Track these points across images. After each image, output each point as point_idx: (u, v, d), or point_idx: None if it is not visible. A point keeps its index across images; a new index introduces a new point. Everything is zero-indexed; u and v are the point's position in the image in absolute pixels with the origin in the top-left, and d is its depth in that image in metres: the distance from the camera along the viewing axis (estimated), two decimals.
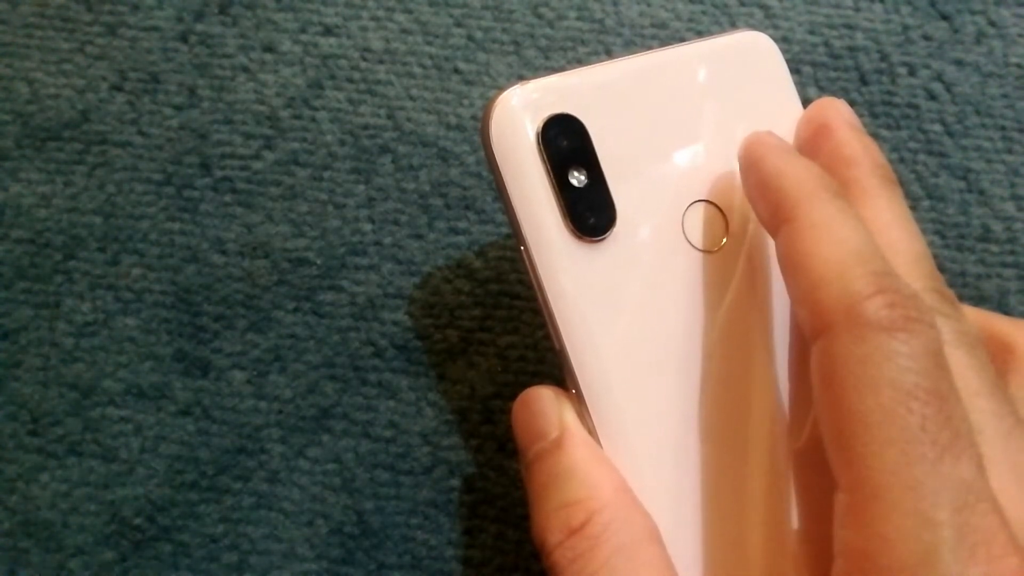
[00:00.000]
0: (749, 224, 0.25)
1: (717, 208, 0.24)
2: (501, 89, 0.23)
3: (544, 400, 0.23)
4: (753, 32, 0.26)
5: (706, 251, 0.24)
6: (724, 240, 0.24)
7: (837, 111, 0.25)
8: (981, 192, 0.32)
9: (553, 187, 0.23)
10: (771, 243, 0.25)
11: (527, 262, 0.23)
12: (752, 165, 0.23)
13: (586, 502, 0.22)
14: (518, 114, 0.23)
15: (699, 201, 0.24)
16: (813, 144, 0.25)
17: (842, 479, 0.19)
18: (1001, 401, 0.21)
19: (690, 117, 0.24)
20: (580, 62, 0.33)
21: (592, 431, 0.23)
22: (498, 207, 0.31)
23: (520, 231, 0.23)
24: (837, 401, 0.19)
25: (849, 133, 0.25)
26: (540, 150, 0.23)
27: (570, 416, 0.23)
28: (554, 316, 0.22)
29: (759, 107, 0.25)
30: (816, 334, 0.20)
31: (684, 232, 0.24)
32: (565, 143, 0.23)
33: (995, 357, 0.22)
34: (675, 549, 0.22)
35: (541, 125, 0.23)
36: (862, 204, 0.23)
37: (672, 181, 0.24)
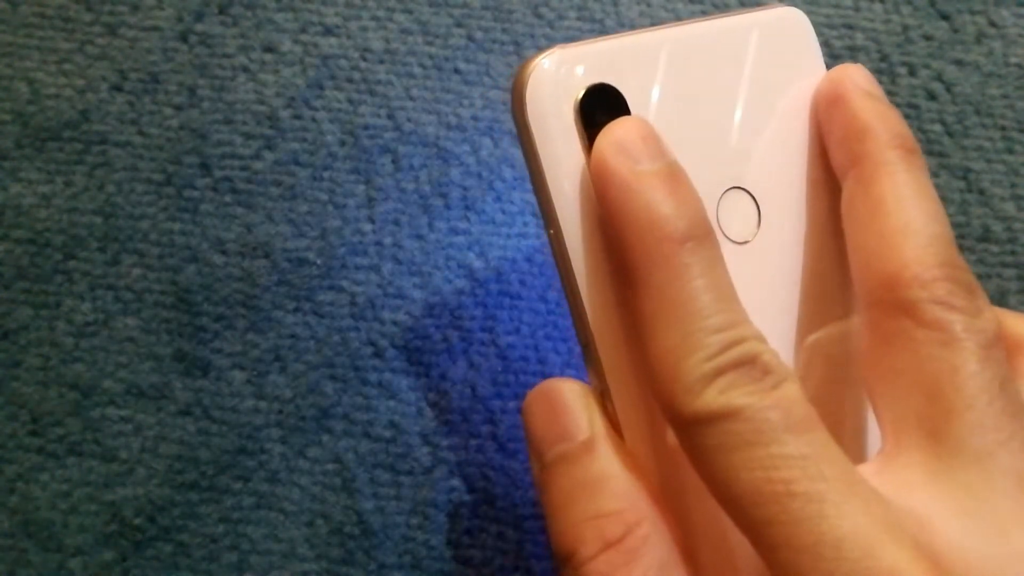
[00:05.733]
0: (782, 214, 0.24)
1: (750, 196, 0.23)
2: (534, 55, 0.21)
3: (569, 396, 0.22)
4: (789, 8, 0.25)
5: (739, 242, 0.23)
6: (757, 231, 0.23)
7: (852, 78, 0.23)
8: (981, 192, 0.32)
9: (590, 165, 0.21)
10: (803, 234, 0.24)
11: (555, 246, 0.21)
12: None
13: (624, 514, 0.21)
14: (557, 83, 0.21)
15: (733, 188, 0.23)
16: (828, 116, 0.24)
17: None
18: (999, 410, 0.20)
19: (725, 96, 0.23)
20: None
21: (615, 427, 0.21)
22: (498, 207, 0.31)
23: (553, 212, 0.21)
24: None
25: (864, 101, 0.23)
26: (579, 123, 0.21)
27: (599, 416, 0.22)
28: (582, 305, 0.21)
29: (792, 87, 0.24)
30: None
31: (718, 222, 0.23)
32: (605, 117, 0.21)
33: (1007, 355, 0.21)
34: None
35: (581, 96, 0.21)
36: (876, 180, 0.22)
37: (707, 166, 0.22)
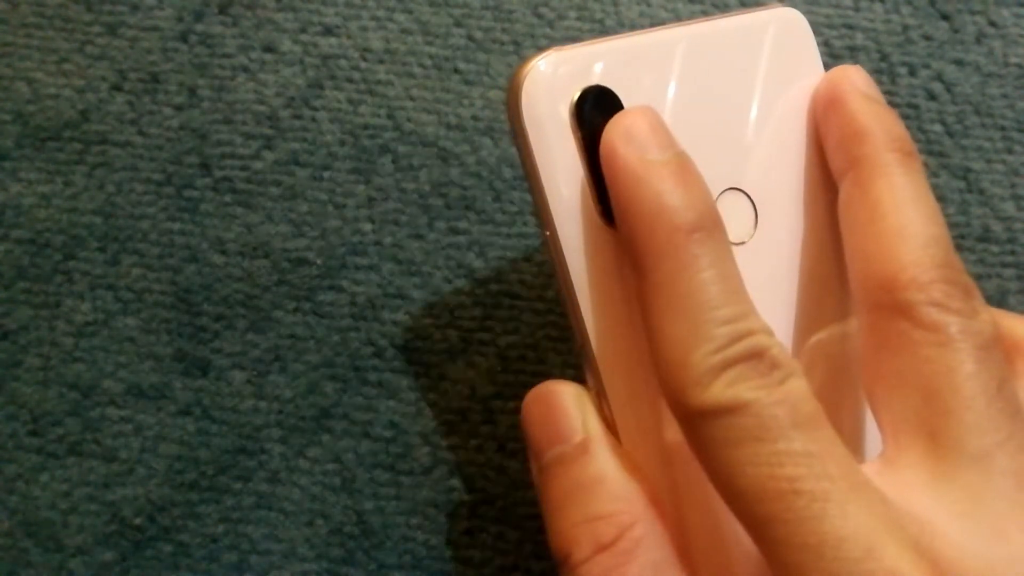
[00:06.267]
0: (779, 215, 0.24)
1: (747, 197, 0.23)
2: (530, 57, 0.21)
3: (565, 398, 0.22)
4: (787, 8, 0.25)
5: (735, 243, 0.23)
6: (753, 232, 0.23)
7: (850, 80, 0.23)
8: (981, 192, 0.32)
9: (586, 167, 0.21)
10: (800, 236, 0.24)
11: (551, 248, 0.21)
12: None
13: (617, 516, 0.21)
14: (553, 85, 0.21)
15: (729, 189, 0.23)
16: (825, 119, 0.24)
17: None
18: (997, 411, 0.20)
19: (723, 96, 0.23)
20: None
21: (611, 427, 0.22)
22: (498, 207, 0.31)
23: (548, 214, 0.21)
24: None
25: (861, 104, 0.23)
26: (574, 125, 0.21)
27: (594, 418, 0.22)
28: (578, 307, 0.21)
29: (790, 88, 0.24)
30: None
31: None
32: (601, 119, 0.21)
33: (1004, 357, 0.21)
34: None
35: (576, 98, 0.21)
36: (873, 183, 0.22)
37: (703, 167, 0.22)
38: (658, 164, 0.20)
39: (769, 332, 0.20)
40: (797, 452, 0.18)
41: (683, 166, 0.20)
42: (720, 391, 0.19)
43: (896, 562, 0.17)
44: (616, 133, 0.21)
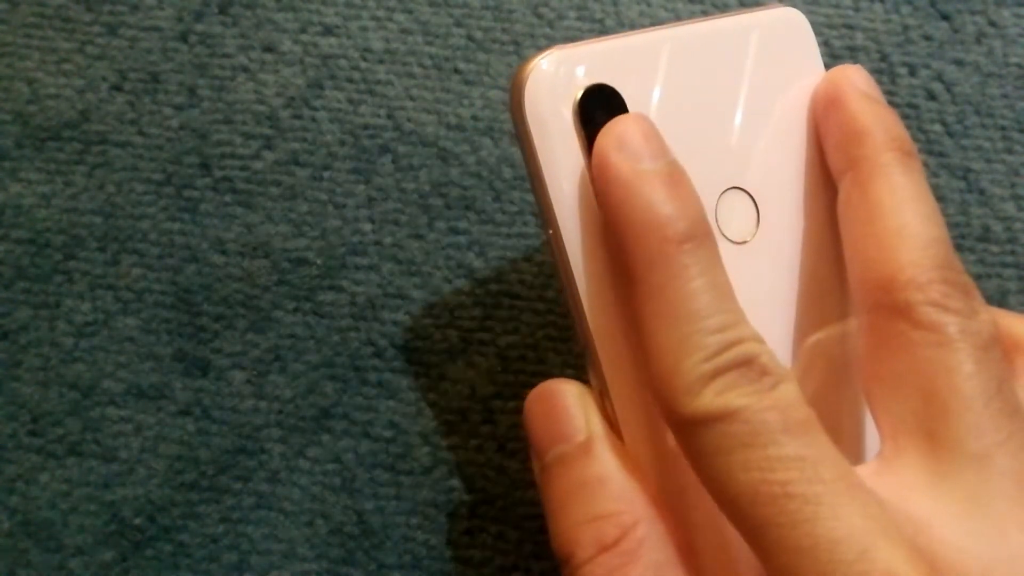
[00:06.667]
0: (781, 214, 0.24)
1: (749, 196, 0.23)
2: (532, 55, 0.21)
3: (568, 397, 0.22)
4: (788, 8, 0.25)
5: (737, 242, 0.23)
6: (755, 231, 0.23)
7: (850, 80, 0.23)
8: (981, 192, 0.32)
9: (589, 166, 0.21)
10: (802, 235, 0.24)
11: (554, 247, 0.21)
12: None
13: (620, 516, 0.21)
14: (555, 83, 0.21)
15: (731, 188, 0.23)
16: (825, 118, 0.24)
17: None
18: (996, 411, 0.20)
19: (724, 96, 0.23)
20: None
21: (614, 427, 0.22)
22: (498, 207, 0.31)
23: (551, 213, 0.21)
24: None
25: (861, 104, 0.23)
26: (578, 124, 0.21)
27: (597, 418, 0.22)
28: (581, 306, 0.21)
29: (791, 87, 0.24)
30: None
31: (717, 222, 0.23)
32: (604, 118, 0.21)
33: (1004, 356, 0.21)
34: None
35: (580, 96, 0.21)
36: (872, 183, 0.22)
37: (706, 166, 0.22)
38: (650, 173, 0.20)
39: (759, 340, 0.20)
40: (788, 457, 0.18)
41: (674, 175, 0.20)
42: (710, 399, 0.19)
43: (891, 563, 0.17)
44: (608, 141, 0.21)
